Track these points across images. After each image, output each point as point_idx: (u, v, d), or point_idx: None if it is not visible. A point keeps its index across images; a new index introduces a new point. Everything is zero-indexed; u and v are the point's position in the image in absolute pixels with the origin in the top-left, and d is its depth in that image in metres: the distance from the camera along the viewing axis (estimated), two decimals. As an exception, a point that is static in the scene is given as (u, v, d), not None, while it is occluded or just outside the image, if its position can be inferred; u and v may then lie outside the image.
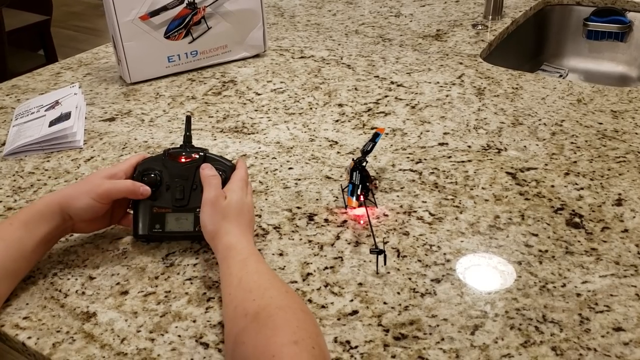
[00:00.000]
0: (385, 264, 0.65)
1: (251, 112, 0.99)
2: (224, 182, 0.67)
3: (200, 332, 0.58)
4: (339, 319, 0.59)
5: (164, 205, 0.67)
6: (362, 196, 0.74)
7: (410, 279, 0.64)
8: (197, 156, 0.68)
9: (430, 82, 1.07)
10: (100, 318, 0.60)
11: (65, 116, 0.91)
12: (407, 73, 1.11)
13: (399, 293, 0.62)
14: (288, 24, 1.39)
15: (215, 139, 0.91)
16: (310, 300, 0.61)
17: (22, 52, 2.44)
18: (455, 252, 0.67)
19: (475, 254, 0.67)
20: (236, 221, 0.63)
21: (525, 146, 0.87)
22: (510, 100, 1.00)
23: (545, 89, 1.04)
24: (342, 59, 1.18)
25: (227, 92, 1.06)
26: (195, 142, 0.90)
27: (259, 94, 1.05)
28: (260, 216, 0.74)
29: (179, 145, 0.70)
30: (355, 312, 0.60)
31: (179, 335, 0.58)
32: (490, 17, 1.35)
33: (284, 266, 0.66)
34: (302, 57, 1.19)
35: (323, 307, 0.60)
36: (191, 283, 0.64)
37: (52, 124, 0.91)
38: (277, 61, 1.19)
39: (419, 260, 0.66)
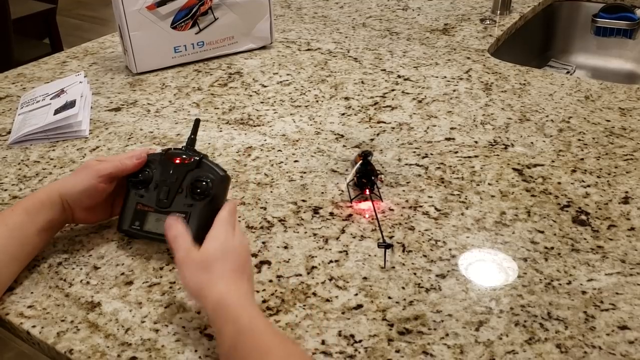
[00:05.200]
0: (386, 254, 0.65)
1: (257, 104, 0.98)
2: (206, 192, 0.63)
3: (205, 323, 0.58)
4: (343, 313, 0.59)
5: (148, 203, 0.66)
6: (367, 190, 0.73)
7: (415, 274, 0.63)
8: (192, 160, 0.65)
9: (437, 77, 1.07)
10: (104, 308, 0.60)
11: (70, 104, 0.91)
12: (414, 67, 1.10)
13: (403, 288, 0.62)
14: (295, 16, 1.39)
15: (221, 131, 0.91)
16: (314, 294, 0.61)
17: (27, 41, 2.43)
18: (460, 248, 0.67)
19: (481, 250, 0.67)
20: (221, 270, 0.54)
21: (532, 142, 0.87)
22: (518, 96, 1.00)
23: (553, 85, 1.03)
24: (349, 52, 1.18)
25: (233, 84, 1.05)
26: (201, 134, 0.90)
27: (265, 86, 1.05)
28: (265, 209, 0.74)
29: (181, 147, 0.68)
30: (359, 306, 0.60)
31: (183, 327, 0.58)
32: (499, 11, 1.34)
33: (289, 259, 0.66)
34: (308, 50, 1.19)
35: (327, 300, 0.60)
36: (196, 274, 0.64)
37: (57, 112, 0.90)
38: (284, 53, 1.18)
39: (425, 256, 0.66)
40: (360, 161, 0.74)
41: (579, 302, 0.60)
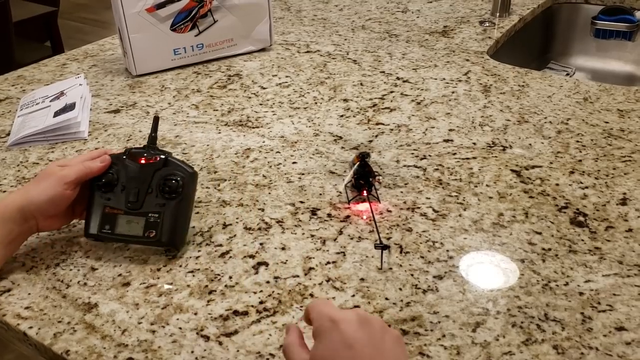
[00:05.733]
0: (383, 254, 0.65)
1: (256, 106, 0.99)
2: (177, 190, 0.63)
3: (202, 324, 0.58)
4: (340, 314, 0.59)
5: (116, 206, 0.65)
6: (365, 191, 0.74)
7: (412, 275, 0.63)
8: (158, 159, 0.65)
9: (436, 79, 1.07)
10: (101, 309, 0.60)
11: (70, 107, 0.91)
12: (413, 69, 1.10)
13: (400, 289, 0.62)
14: (294, 19, 1.39)
15: (219, 132, 0.91)
16: (312, 295, 0.61)
17: (28, 43, 2.44)
18: (458, 249, 0.67)
19: (479, 252, 0.67)
20: None
21: (530, 144, 0.87)
22: (517, 98, 1.00)
23: (552, 87, 1.03)
24: (348, 54, 1.18)
25: (232, 86, 1.06)
26: (200, 136, 0.90)
27: (264, 88, 1.05)
28: (263, 210, 0.74)
29: (142, 146, 0.67)
30: (356, 307, 0.60)
31: (180, 328, 0.58)
32: (498, 14, 1.35)
33: (286, 260, 0.66)
34: (307, 52, 1.19)
35: (324, 301, 0.60)
36: (193, 275, 0.64)
37: (56, 114, 0.91)
38: (283, 55, 1.18)
39: (422, 257, 0.66)
40: (358, 162, 0.74)
41: (576, 303, 0.60)
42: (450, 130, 0.90)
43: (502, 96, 1.00)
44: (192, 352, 0.55)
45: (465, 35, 1.26)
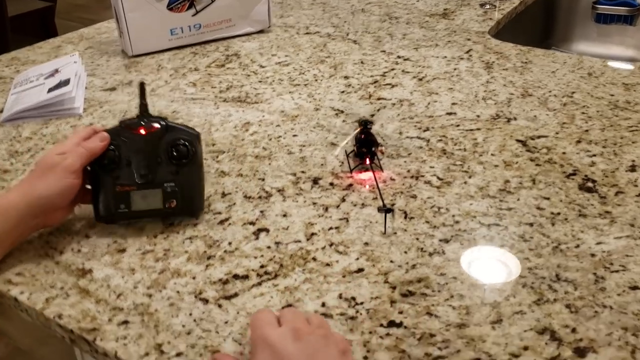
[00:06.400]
0: (387, 218, 0.63)
1: (255, 83, 0.97)
2: (188, 154, 0.61)
3: (200, 288, 0.56)
4: (344, 276, 0.57)
5: (127, 182, 0.61)
6: (367, 159, 0.72)
7: (417, 239, 0.61)
8: (159, 126, 0.62)
9: (437, 57, 1.05)
10: (96, 274, 0.58)
11: (64, 82, 0.90)
12: (414, 48, 1.09)
13: (406, 252, 0.60)
14: (293, 2, 1.37)
15: (217, 108, 0.89)
16: (314, 259, 0.59)
17: (25, 39, 2.42)
18: (464, 214, 0.65)
19: (486, 216, 0.65)
20: None
21: (535, 116, 0.85)
22: (520, 74, 0.98)
23: (555, 64, 1.01)
24: (347, 35, 1.16)
25: (230, 65, 1.04)
26: (198, 111, 0.88)
27: (263, 67, 1.03)
28: (263, 180, 0.72)
29: (135, 116, 0.63)
30: (360, 270, 0.57)
31: (178, 291, 0.55)
32: (499, -3, 1.33)
33: (288, 226, 0.64)
34: (307, 34, 1.17)
35: (327, 265, 0.58)
36: (191, 242, 0.62)
37: (50, 90, 0.89)
38: (282, 37, 1.17)
39: (427, 222, 0.64)
40: (360, 130, 0.73)
41: (588, 264, 0.57)
42: (453, 104, 0.89)
43: (505, 72, 0.98)
44: (190, 314, 0.53)
45: (466, 16, 1.25)
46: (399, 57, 1.05)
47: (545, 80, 0.95)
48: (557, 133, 0.80)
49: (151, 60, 1.06)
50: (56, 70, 0.95)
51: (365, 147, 0.72)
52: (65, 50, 1.13)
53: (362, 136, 0.73)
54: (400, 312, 0.53)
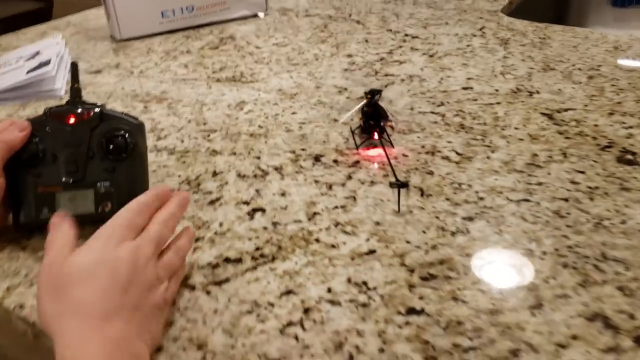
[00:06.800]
0: (401, 195, 0.55)
1: (251, 64, 0.89)
2: (127, 147, 0.50)
3: (186, 273, 0.48)
4: (352, 259, 0.49)
5: (51, 182, 0.50)
6: (376, 134, 0.64)
7: (437, 217, 0.53)
8: (92, 114, 0.51)
9: (448, 34, 0.97)
10: (66, 261, 0.50)
11: (45, 63, 0.82)
12: (423, 27, 1.01)
13: (424, 232, 0.52)
14: (292, -12, 1.31)
15: (210, 88, 0.82)
16: (317, 240, 0.51)
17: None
18: (489, 190, 0.57)
19: (513, 191, 0.57)
20: (79, 298, 0.37)
21: (559, 89, 0.77)
22: (539, 49, 0.90)
23: (576, 39, 0.94)
24: (350, 15, 1.09)
25: (225, 47, 0.96)
26: (189, 92, 0.81)
27: (259, 47, 0.96)
28: (259, 158, 0.64)
29: (66, 102, 0.52)
30: (372, 252, 0.49)
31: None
32: (510, -22, 1.26)
33: (286, 206, 0.56)
34: (307, 16, 1.10)
35: (333, 246, 0.50)
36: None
37: (30, 72, 0.81)
38: (280, 19, 1.09)
39: (447, 199, 0.56)
40: (367, 101, 0.65)
41: (638, 241, 0.49)
42: (468, 79, 0.81)
43: (522, 47, 0.91)
44: (174, 303, 0.45)
45: (476, -3, 1.17)
46: (406, 35, 0.98)
47: (567, 55, 0.87)
48: (585, 105, 0.72)
49: (141, 44, 0.99)
50: (37, 53, 0.88)
51: (373, 120, 0.64)
52: (51, 36, 1.06)
53: (369, 109, 0.65)
54: (421, 298, 0.45)
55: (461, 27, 1.00)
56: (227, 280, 0.47)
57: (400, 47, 0.93)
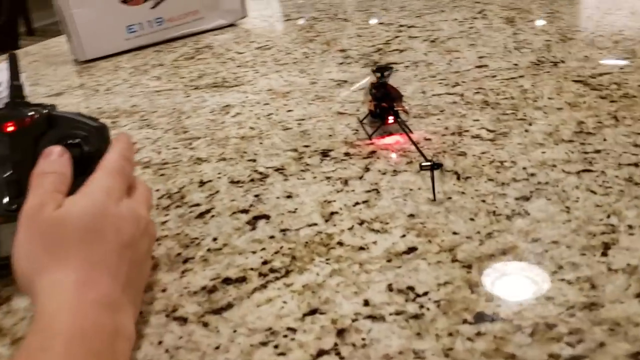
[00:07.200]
0: (435, 181, 0.44)
1: (233, 69, 0.79)
2: (85, 158, 0.38)
3: (174, 303, 0.36)
4: (389, 261, 0.38)
5: None
6: (391, 116, 0.53)
7: (484, 201, 0.43)
8: (37, 118, 0.39)
9: (446, 20, 0.88)
10: (15, 304, 0.39)
11: (-5, 87, 0.71)
12: (417, 17, 0.92)
13: (472, 219, 0.41)
14: (265, 1, 1.22)
15: (188, 96, 0.71)
16: (340, 243, 0.40)
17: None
18: (539, 165, 0.46)
19: (569, 163, 0.46)
20: (79, 249, 0.32)
21: (586, 56, 0.67)
22: (549, 22, 0.81)
23: (587, 9, 0.85)
24: (336, 15, 1.00)
25: (202, 56, 0.86)
26: (163, 102, 0.70)
27: (241, 53, 0.86)
28: (255, 160, 0.53)
29: (3, 105, 0.40)
30: (413, 250, 0.38)
31: (140, 312, 0.36)
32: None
33: (295, 209, 0.45)
34: (288, 20, 1.01)
35: (362, 248, 0.39)
36: (159, 244, 0.43)
37: (-21, 99, 0.70)
38: (260, 25, 1.00)
39: (491, 179, 0.45)
40: (377, 81, 0.55)
41: None
42: (480, 57, 0.71)
43: (531, 23, 0.82)
44: (160, 342, 0.33)
45: (467, -15, 1.09)
46: (401, 25, 0.89)
47: (584, 24, 0.79)
48: (621, 68, 0.63)
49: (107, 63, 0.89)
50: (-13, 80, 0.77)
51: (386, 101, 0.54)
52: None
53: (379, 90, 0.55)
54: (489, 300, 0.34)
55: (459, 13, 0.92)
56: (229, 306, 0.36)
57: (397, 37, 0.83)
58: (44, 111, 0.39)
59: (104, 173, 0.36)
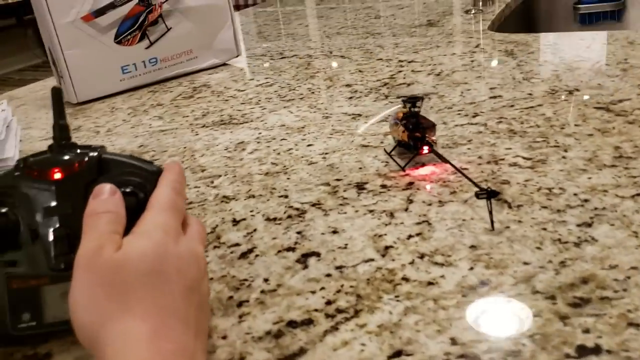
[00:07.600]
0: (492, 210, 0.43)
1: (237, 106, 0.77)
2: (140, 210, 0.33)
3: (239, 350, 0.33)
4: (464, 296, 0.35)
5: (32, 272, 0.33)
6: (425, 147, 0.52)
7: (544, 229, 0.41)
8: (86, 162, 0.34)
9: (445, 55, 0.89)
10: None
11: (-10, 131, 0.67)
12: (414, 52, 0.93)
13: (539, 248, 0.39)
14: (256, 38, 1.21)
15: (197, 135, 0.68)
16: (405, 279, 0.37)
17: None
18: (589, 191, 0.45)
19: (620, 187, 0.45)
20: (145, 294, 0.29)
21: (599, 84, 0.68)
22: (551, 53, 0.82)
23: (583, 41, 0.87)
24: (331, 52, 0.99)
25: (200, 95, 0.84)
26: (172, 141, 0.68)
27: (241, 90, 0.84)
28: (286, 196, 0.51)
29: (47, 148, 0.35)
30: (484, 284, 0.36)
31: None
32: (481, 2, 1.21)
33: (346, 244, 0.42)
34: (283, 58, 1.00)
35: (430, 283, 0.37)
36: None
37: (-28, 143, 0.66)
38: (255, 63, 0.99)
39: (544, 207, 0.44)
40: (408, 112, 0.53)
41: None
42: (491, 88, 0.71)
43: (532, 55, 0.83)
44: None
45: (456, 22, 1.11)
46: (400, 61, 0.88)
47: (585, 54, 0.80)
48: (638, 94, 0.63)
49: (102, 105, 0.85)
50: (-22, 124, 0.73)
51: (419, 132, 0.52)
52: (-9, 111, 0.91)
53: (411, 120, 0.53)
54: (586, 331, 0.31)
55: (455, 48, 0.92)
56: (302, 351, 0.33)
57: (400, 71, 0.83)
58: (93, 154, 0.35)
59: (158, 210, 0.33)
